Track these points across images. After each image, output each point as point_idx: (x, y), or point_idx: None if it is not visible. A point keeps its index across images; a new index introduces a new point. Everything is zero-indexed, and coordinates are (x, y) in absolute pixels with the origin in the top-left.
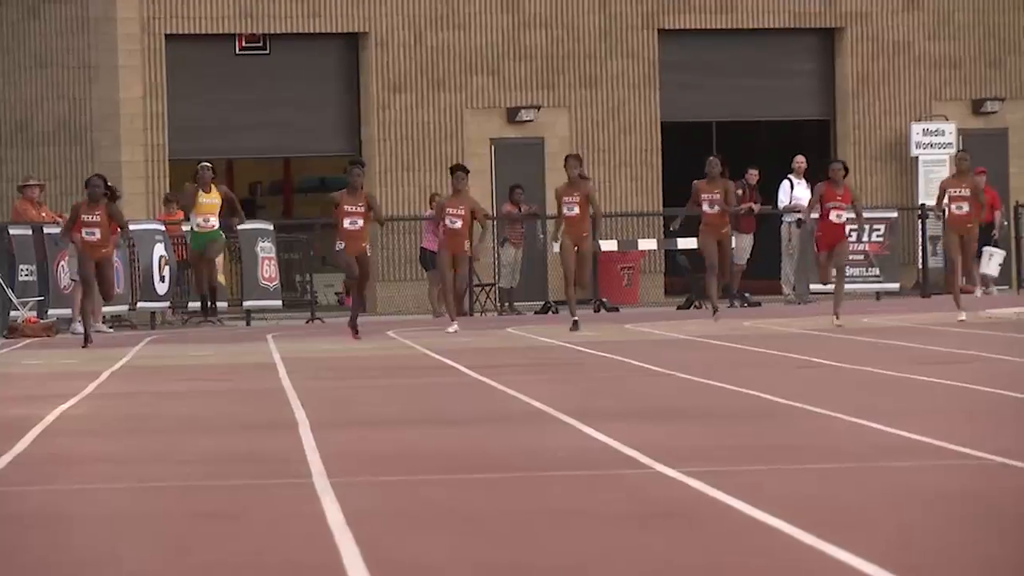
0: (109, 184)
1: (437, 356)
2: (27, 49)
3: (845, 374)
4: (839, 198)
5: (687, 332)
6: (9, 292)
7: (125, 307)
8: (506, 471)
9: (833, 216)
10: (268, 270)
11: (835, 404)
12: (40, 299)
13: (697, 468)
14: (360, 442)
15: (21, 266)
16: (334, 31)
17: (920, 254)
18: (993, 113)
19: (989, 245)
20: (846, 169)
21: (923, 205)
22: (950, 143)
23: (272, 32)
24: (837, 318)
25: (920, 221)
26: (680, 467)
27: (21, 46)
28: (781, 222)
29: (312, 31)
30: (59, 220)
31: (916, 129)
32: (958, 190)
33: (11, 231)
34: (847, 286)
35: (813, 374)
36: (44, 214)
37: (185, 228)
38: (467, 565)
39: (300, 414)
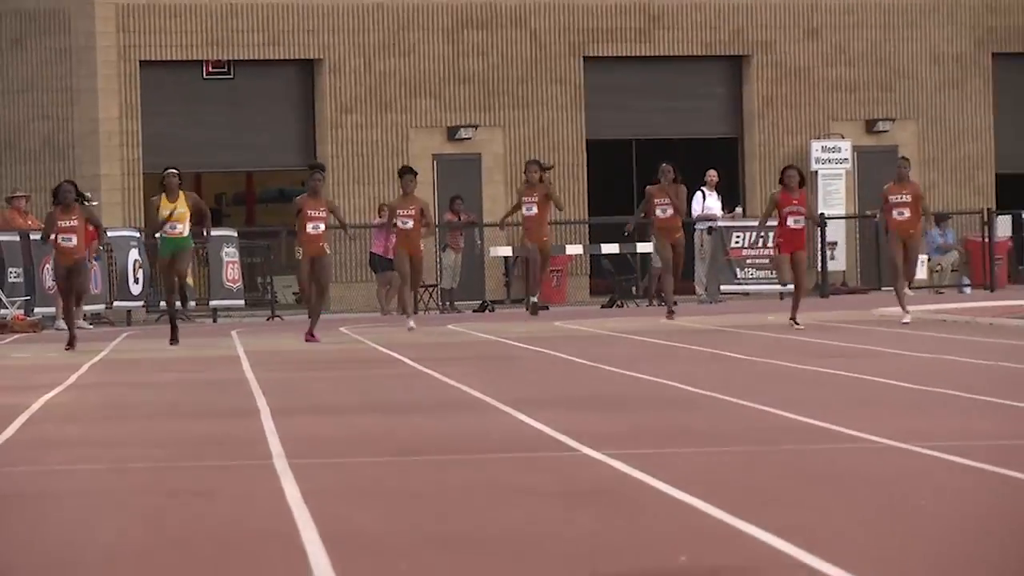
0: (80, 191)
1: (384, 350)
2: (14, 75)
3: (752, 366)
4: (795, 202)
5: (610, 328)
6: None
7: (103, 306)
8: (447, 453)
9: (791, 221)
10: (232, 273)
11: (743, 393)
12: (27, 299)
13: (620, 451)
14: (315, 427)
15: (10, 269)
16: (292, 58)
17: (819, 258)
18: (884, 132)
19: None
20: (801, 175)
21: (822, 215)
22: (846, 159)
23: (236, 58)
24: (796, 322)
25: (819, 229)
26: (604, 449)
27: (9, 72)
28: (695, 230)
29: (272, 57)
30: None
31: (815, 146)
32: (899, 196)
33: (0, 238)
34: (762, 287)
35: (724, 366)
36: (30, 222)
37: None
38: (410, 535)
39: (262, 402)
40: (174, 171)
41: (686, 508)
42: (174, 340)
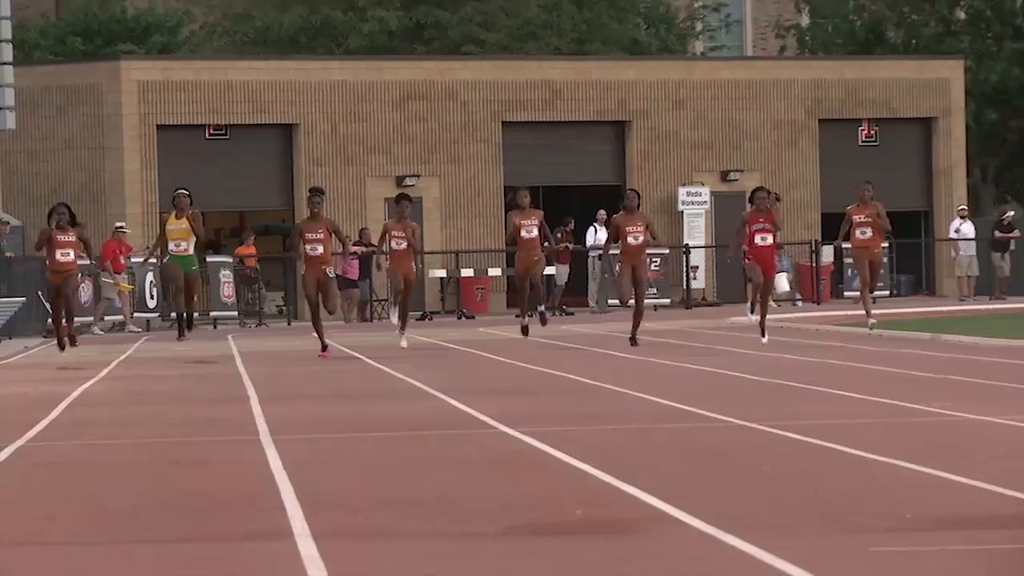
0: (72, 212)
1: (346, 350)
2: (59, 136)
3: (632, 363)
4: (762, 220)
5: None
6: (47, 305)
7: (120, 317)
8: (395, 431)
9: (758, 239)
10: (227, 290)
11: (629, 384)
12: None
13: (530, 428)
14: (293, 410)
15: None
16: (274, 123)
17: (684, 278)
18: (735, 180)
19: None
20: (769, 194)
21: (687, 245)
22: (705, 201)
23: (231, 123)
24: (763, 336)
25: (684, 255)
26: (517, 427)
27: (55, 134)
28: (588, 256)
29: (259, 122)
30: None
31: (681, 192)
32: (861, 217)
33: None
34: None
35: (612, 363)
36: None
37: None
38: (365, 495)
39: (251, 391)
40: (184, 191)
41: (581, 473)
42: (187, 330)
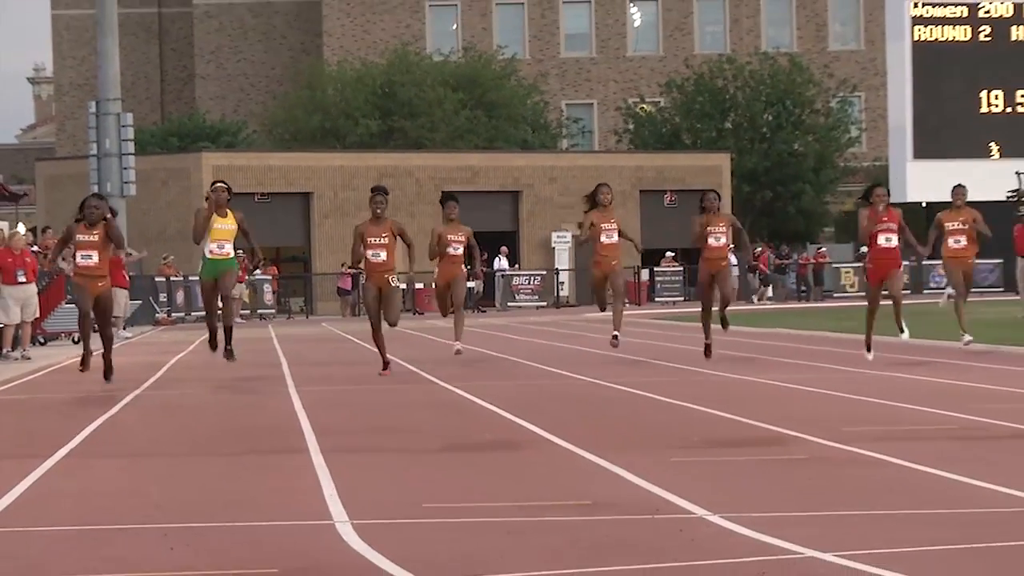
0: (111, 208)
1: (343, 334)
2: (162, 201)
3: (521, 342)
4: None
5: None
6: (154, 306)
7: (182, 314)
8: (376, 384)
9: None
10: (269, 296)
11: (528, 355)
12: (168, 308)
13: (460, 383)
14: (311, 370)
15: (160, 294)
16: (297, 191)
17: (555, 289)
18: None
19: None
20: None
21: (557, 268)
22: (568, 241)
23: (270, 191)
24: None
25: (555, 274)
26: (452, 383)
27: (158, 200)
28: (495, 274)
29: (288, 191)
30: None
31: (553, 235)
32: (955, 224)
33: (156, 279)
34: (528, 304)
35: (512, 343)
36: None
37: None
38: (359, 426)
39: (283, 360)
40: (223, 184)
41: (491, 413)
42: (214, 347)
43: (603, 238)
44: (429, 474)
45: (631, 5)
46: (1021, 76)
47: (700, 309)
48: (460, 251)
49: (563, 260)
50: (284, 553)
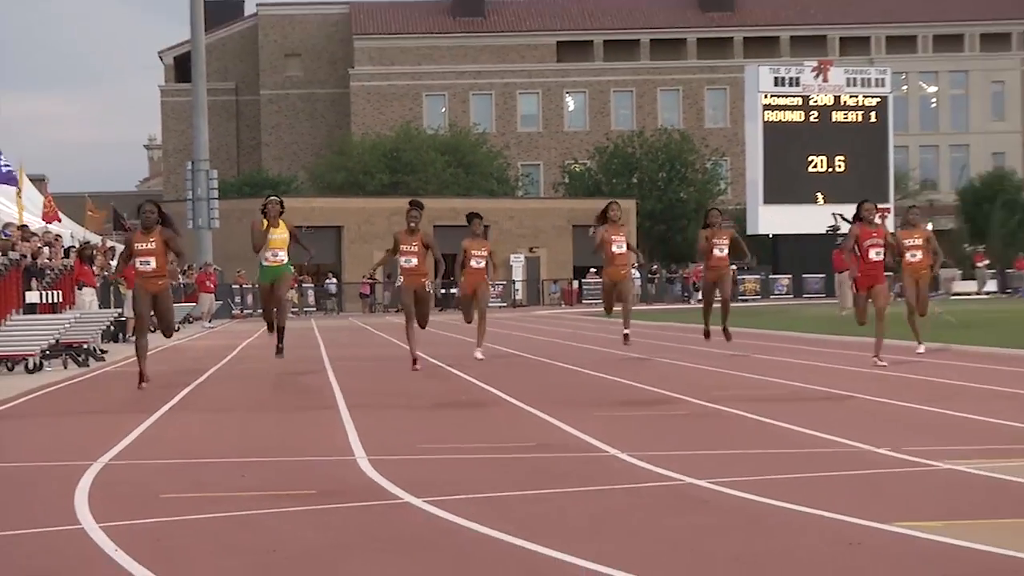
0: (163, 211)
1: (363, 325)
2: (236, 233)
3: (492, 332)
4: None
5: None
6: (231, 305)
7: (251, 311)
8: (390, 362)
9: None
10: (310, 298)
11: (495, 341)
12: (240, 307)
13: (446, 362)
14: (341, 349)
15: (235, 297)
16: (331, 225)
17: (511, 292)
18: (536, 251)
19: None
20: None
21: (513, 281)
22: (522, 261)
23: (314, 224)
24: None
25: (512, 284)
26: (442, 361)
27: (235, 234)
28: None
29: (324, 225)
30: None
31: (511, 257)
32: (912, 240)
33: (232, 286)
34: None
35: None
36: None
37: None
38: (375, 390)
39: (321, 343)
40: (276, 197)
41: (468, 381)
42: (271, 330)
43: (615, 248)
44: (423, 424)
45: (567, 95)
46: (838, 146)
47: (703, 306)
48: (483, 264)
49: (518, 273)
50: (320, 478)
